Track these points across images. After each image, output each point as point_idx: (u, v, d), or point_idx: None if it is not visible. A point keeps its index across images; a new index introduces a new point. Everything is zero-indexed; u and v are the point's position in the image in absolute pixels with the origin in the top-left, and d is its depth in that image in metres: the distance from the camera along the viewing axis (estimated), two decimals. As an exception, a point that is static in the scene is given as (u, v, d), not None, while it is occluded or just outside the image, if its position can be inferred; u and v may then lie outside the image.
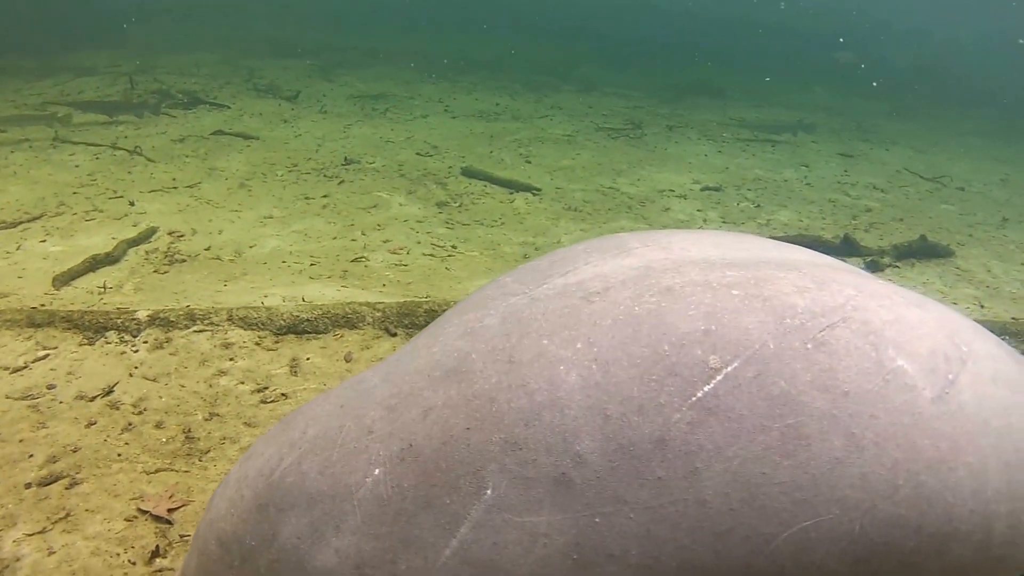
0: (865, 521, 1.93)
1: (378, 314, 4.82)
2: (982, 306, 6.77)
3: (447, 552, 1.89)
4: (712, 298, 2.05)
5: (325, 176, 8.69)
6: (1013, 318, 6.42)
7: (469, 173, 8.91)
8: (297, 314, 4.77)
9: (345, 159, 9.26)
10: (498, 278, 2.53)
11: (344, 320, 4.79)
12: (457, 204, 7.91)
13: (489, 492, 1.89)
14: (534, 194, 8.45)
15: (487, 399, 1.97)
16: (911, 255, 7.94)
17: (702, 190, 9.36)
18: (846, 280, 2.24)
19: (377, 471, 2.00)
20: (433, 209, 7.72)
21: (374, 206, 7.68)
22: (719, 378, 1.90)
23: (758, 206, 9.07)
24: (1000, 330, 5.85)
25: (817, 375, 1.94)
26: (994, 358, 2.33)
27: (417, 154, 9.72)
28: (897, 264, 7.66)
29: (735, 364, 1.91)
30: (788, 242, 6.93)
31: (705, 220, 8.18)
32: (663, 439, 1.86)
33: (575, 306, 2.09)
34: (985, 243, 9.18)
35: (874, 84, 21.33)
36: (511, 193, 8.42)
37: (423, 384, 2.10)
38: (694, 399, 1.88)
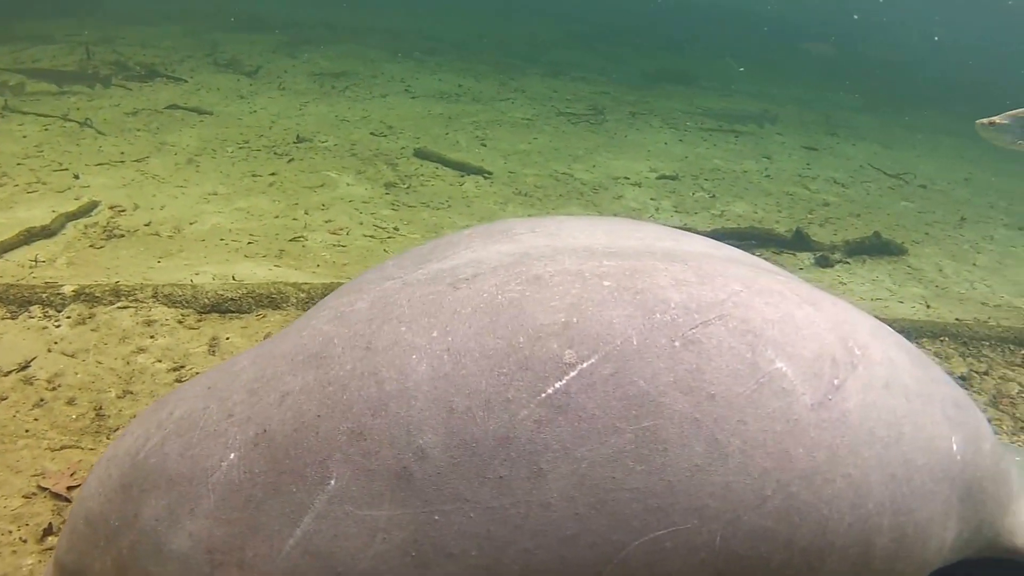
0: (727, 533, 1.84)
1: (303, 295, 4.74)
2: (928, 306, 6.74)
3: (291, 542, 1.80)
4: (580, 289, 1.94)
5: (275, 154, 8.57)
6: (957, 319, 6.39)
7: (422, 155, 8.78)
8: (221, 293, 4.68)
9: (297, 137, 9.13)
10: (384, 262, 2.47)
11: (268, 300, 4.70)
12: (405, 186, 7.80)
13: (333, 483, 1.80)
14: (485, 177, 8.35)
15: (340, 386, 1.88)
16: (863, 251, 7.90)
17: (658, 179, 9.29)
18: (736, 274, 2.13)
19: (232, 455, 1.92)
20: (380, 190, 7.62)
21: (321, 185, 7.57)
22: (572, 374, 1.79)
23: (713, 196, 9.01)
24: (940, 331, 5.82)
25: (682, 375, 1.83)
26: (892, 363, 2.23)
27: (371, 134, 9.60)
28: (848, 260, 7.62)
29: (592, 360, 1.81)
30: (738, 235, 6.90)
31: (658, 209, 8.12)
32: (508, 437, 1.76)
33: (440, 293, 1.99)
34: (940, 242, 9.16)
35: (846, 80, 21.30)
36: (462, 176, 8.32)
37: (285, 368, 2.01)
38: (543, 396, 1.77)
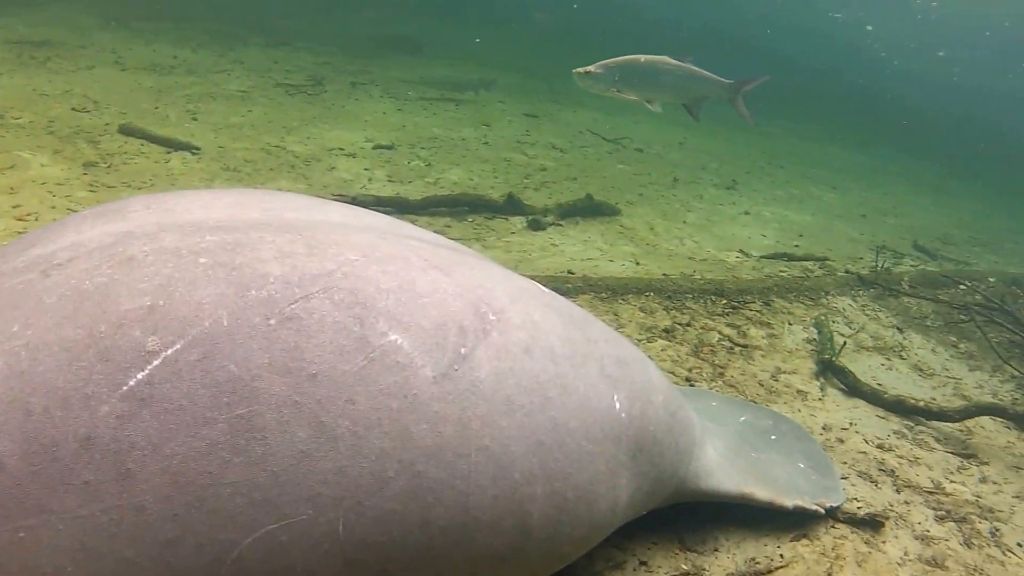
0: (350, 520, 1.75)
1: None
2: (638, 263, 6.91)
3: None
4: (173, 268, 1.79)
5: (-39, 134, 7.95)
6: (664, 275, 6.58)
7: (127, 131, 8.29)
8: None
9: (-13, 115, 8.53)
10: (-2, 248, 2.27)
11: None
12: (107, 165, 7.35)
13: (-93, 511, 1.58)
14: (193, 153, 7.95)
15: None
16: (576, 213, 8.02)
17: (374, 148, 9.16)
18: (356, 243, 2.04)
19: None
20: (78, 170, 7.13)
21: (11, 167, 7.00)
22: (156, 363, 1.65)
23: (429, 165, 8.97)
24: (645, 287, 5.97)
25: (278, 356, 1.72)
26: (535, 327, 2.19)
27: (73, 109, 8.98)
28: (560, 223, 7.73)
29: (177, 346, 1.67)
30: (450, 202, 6.85)
31: (371, 179, 7.99)
32: (90, 437, 1.59)
33: (31, 282, 1.79)
34: (653, 202, 9.43)
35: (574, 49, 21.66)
36: (169, 152, 7.92)
37: None
38: (125, 389, 1.62)
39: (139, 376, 1.64)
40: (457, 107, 12.57)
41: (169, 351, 1.67)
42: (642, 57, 6.61)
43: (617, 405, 2.42)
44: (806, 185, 12.80)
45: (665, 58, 6.62)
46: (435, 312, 1.97)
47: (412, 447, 1.82)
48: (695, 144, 13.88)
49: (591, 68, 6.52)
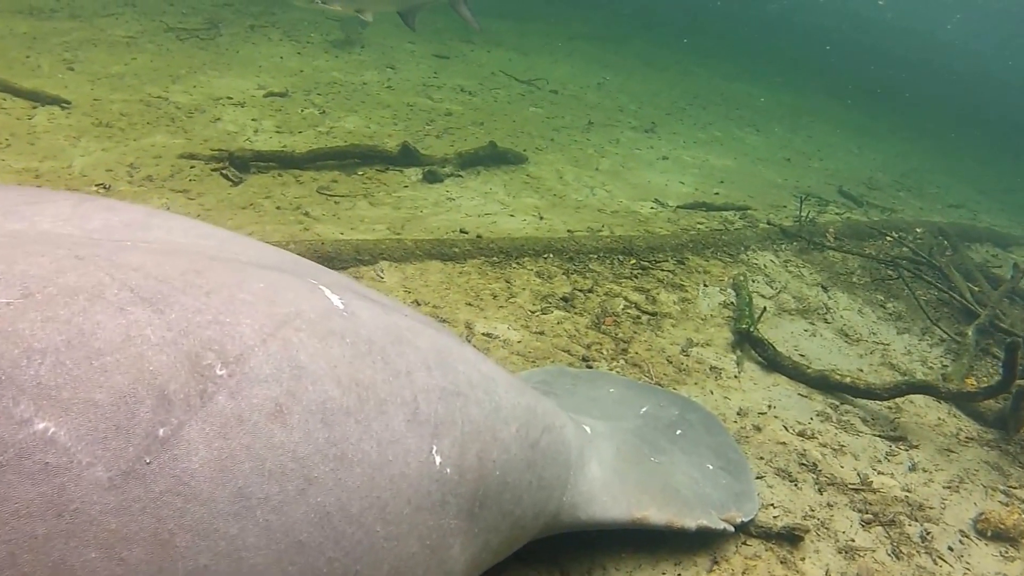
0: None
1: None
2: (541, 218, 6.37)
3: None
4: None
5: None
6: (568, 231, 6.07)
7: None
8: None
9: None
10: None
11: None
12: (-42, 123, 6.66)
13: None
14: (63, 108, 7.18)
15: None
16: (478, 163, 7.46)
17: (265, 96, 8.46)
18: (24, 272, 1.41)
19: None
20: (-74, 129, 6.45)
21: None
22: None
23: (324, 112, 8.32)
24: (544, 248, 5.45)
25: None
26: (298, 375, 1.59)
27: (-72, 62, 8.25)
28: (460, 173, 7.16)
29: None
30: (339, 154, 6.23)
31: (257, 131, 7.32)
32: None
33: None
34: (565, 148, 8.91)
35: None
36: (34, 107, 7.17)
37: None
38: None
39: None
40: (362, 50, 11.88)
41: None
42: None
43: (438, 460, 1.85)
44: (729, 127, 12.37)
45: None
46: (120, 376, 1.35)
47: None
48: (615, 85, 13.35)
49: None
